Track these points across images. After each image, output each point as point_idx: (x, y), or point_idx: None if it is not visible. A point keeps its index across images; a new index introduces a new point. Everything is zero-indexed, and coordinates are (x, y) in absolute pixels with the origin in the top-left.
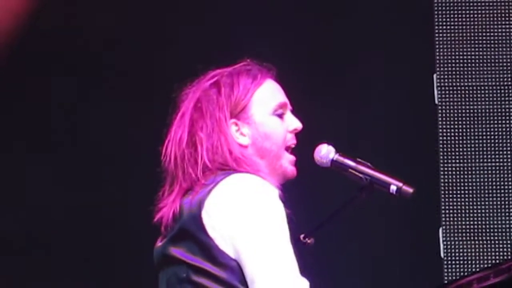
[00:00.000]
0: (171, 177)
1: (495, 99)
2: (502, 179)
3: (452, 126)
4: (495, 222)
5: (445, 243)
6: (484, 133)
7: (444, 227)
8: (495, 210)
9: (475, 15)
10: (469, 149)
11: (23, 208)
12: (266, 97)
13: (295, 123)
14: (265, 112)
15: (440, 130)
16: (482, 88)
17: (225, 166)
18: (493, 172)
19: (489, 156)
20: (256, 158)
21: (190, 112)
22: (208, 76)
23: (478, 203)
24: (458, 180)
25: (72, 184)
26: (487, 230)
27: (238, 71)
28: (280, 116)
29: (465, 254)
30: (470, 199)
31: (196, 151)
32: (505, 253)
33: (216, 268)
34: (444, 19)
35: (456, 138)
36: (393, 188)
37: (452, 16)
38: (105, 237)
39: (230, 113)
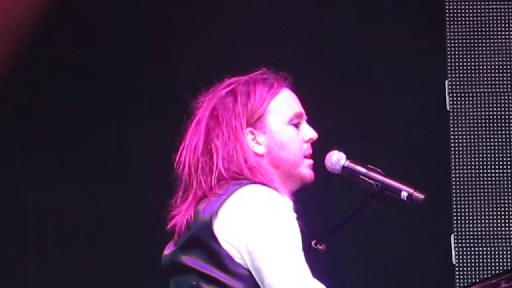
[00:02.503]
0: (185, 184)
1: (507, 105)
2: None
3: (463, 132)
4: (507, 228)
5: (456, 249)
6: (496, 139)
7: (455, 233)
8: (507, 216)
9: (487, 22)
10: (481, 155)
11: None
12: (282, 106)
13: (310, 133)
14: (281, 121)
15: (452, 136)
16: (494, 94)
17: (239, 175)
18: (505, 178)
19: (501, 162)
20: (270, 168)
21: (206, 120)
22: (224, 84)
23: (490, 209)
24: (469, 186)
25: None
26: (499, 237)
27: (254, 79)
28: (296, 125)
29: (476, 260)
30: (482, 205)
31: (212, 160)
32: None
33: (227, 276)
34: (455, 26)
35: (468, 144)
36: (404, 194)
37: (463, 22)
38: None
39: (246, 121)
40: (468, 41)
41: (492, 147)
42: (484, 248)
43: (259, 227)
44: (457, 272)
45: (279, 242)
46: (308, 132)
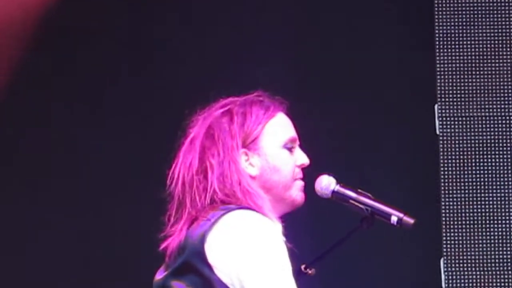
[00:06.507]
0: (178, 202)
1: (496, 129)
2: (503, 210)
3: (453, 157)
4: (497, 253)
5: (446, 274)
6: (485, 164)
7: (445, 258)
8: (496, 241)
9: (477, 46)
10: (470, 179)
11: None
12: (277, 130)
13: (303, 158)
14: (276, 145)
15: (441, 161)
16: (484, 118)
17: (231, 197)
18: (494, 203)
19: (490, 187)
20: (262, 191)
21: (201, 138)
22: (219, 104)
23: (480, 234)
24: (459, 211)
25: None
26: (488, 261)
27: (250, 101)
28: (290, 149)
29: (466, 285)
30: (472, 230)
31: (206, 178)
32: (506, 285)
33: None
34: (445, 50)
35: (457, 168)
36: (394, 219)
37: (453, 46)
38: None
39: (241, 142)
40: (458, 65)
41: (482, 171)
42: (474, 273)
43: (249, 254)
44: None
45: (268, 269)
46: (301, 157)
